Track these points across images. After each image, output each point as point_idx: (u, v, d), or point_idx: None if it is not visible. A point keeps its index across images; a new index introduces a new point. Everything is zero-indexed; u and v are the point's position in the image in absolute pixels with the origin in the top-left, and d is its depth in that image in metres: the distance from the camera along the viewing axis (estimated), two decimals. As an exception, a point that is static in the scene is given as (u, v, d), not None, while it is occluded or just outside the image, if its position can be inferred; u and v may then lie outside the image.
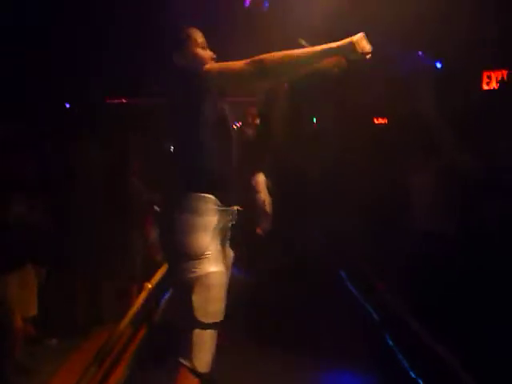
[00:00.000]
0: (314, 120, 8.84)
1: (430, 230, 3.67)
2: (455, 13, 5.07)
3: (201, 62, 2.04)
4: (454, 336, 2.94)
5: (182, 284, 1.91)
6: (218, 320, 1.91)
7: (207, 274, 1.87)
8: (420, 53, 6.91)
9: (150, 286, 3.92)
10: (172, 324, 3.86)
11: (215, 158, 1.97)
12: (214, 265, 1.91)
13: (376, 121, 8.43)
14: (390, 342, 3.44)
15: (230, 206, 2.03)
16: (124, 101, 7.98)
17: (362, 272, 4.90)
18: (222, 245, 2.05)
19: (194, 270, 1.87)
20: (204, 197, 1.93)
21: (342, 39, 1.91)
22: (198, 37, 2.14)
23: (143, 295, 3.84)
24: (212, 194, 1.95)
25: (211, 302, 1.88)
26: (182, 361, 1.87)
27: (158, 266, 4.61)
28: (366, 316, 4.03)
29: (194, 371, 1.87)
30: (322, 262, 5.56)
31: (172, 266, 2.00)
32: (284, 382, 2.95)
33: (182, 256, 1.89)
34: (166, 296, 4.55)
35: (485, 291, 3.03)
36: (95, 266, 4.16)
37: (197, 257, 1.88)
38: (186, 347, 1.87)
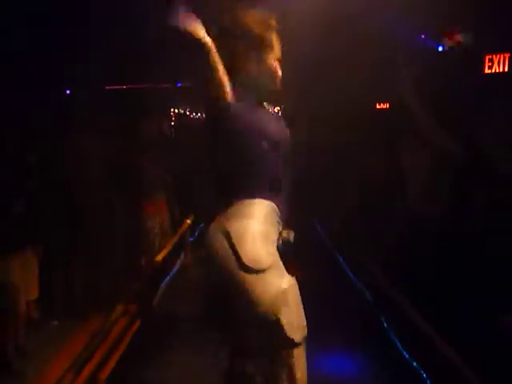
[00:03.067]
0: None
1: (421, 212, 3.70)
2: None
3: (274, 76, 1.82)
4: (445, 317, 2.98)
5: (258, 306, 1.67)
6: (305, 334, 1.75)
7: (285, 289, 1.68)
8: (423, 36, 6.84)
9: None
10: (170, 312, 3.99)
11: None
12: (285, 275, 1.73)
13: (378, 106, 8.39)
14: (385, 324, 3.48)
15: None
16: (125, 87, 7.96)
17: (355, 253, 4.93)
18: None
19: (269, 286, 1.67)
20: (268, 204, 1.75)
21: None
22: (278, 49, 1.85)
23: (142, 278, 3.90)
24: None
25: (295, 317, 1.71)
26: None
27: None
28: (360, 296, 4.08)
29: None
30: (317, 243, 5.61)
31: (242, 285, 1.69)
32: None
33: (252, 270, 1.67)
34: (166, 280, 4.62)
35: (475, 273, 3.05)
36: (96, 249, 4.22)
37: (266, 269, 1.68)
38: (283, 372, 1.71)
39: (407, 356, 3.06)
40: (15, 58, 5.06)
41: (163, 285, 4.54)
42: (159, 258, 4.24)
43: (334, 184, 6.61)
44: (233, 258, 1.68)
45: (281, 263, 1.75)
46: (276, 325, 1.67)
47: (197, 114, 10.24)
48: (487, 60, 5.79)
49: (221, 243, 1.72)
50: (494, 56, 5.71)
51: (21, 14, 4.92)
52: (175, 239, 5.00)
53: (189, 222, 5.44)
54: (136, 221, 4.80)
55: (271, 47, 1.81)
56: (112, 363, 3.03)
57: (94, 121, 4.69)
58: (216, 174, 1.86)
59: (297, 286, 1.76)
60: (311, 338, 1.78)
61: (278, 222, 1.79)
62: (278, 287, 1.68)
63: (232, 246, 1.69)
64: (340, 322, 3.45)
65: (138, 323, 3.68)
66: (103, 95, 7.09)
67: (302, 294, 1.77)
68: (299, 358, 1.73)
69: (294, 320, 1.70)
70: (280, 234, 1.82)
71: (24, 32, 5.14)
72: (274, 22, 1.80)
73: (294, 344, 1.70)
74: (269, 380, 1.77)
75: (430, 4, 5.31)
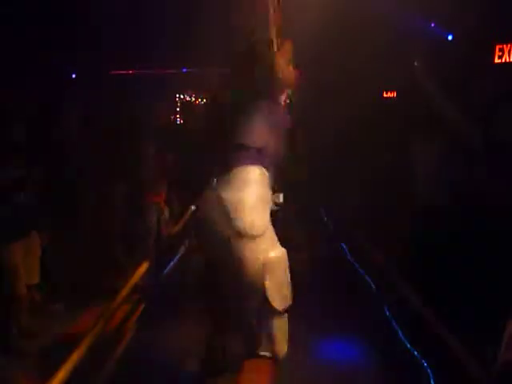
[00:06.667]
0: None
1: (431, 202, 3.67)
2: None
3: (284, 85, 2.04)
4: (450, 307, 2.97)
5: (247, 271, 1.79)
6: (289, 303, 1.86)
7: (274, 258, 1.80)
8: (433, 24, 6.76)
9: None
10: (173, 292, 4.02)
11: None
12: (276, 245, 1.85)
13: (385, 94, 8.33)
14: (387, 313, 3.48)
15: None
16: (131, 72, 7.94)
17: (362, 244, 4.93)
18: None
19: (259, 252, 1.78)
20: (260, 168, 1.92)
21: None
22: (288, 50, 2.05)
23: (145, 266, 3.92)
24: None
25: (283, 287, 1.82)
26: (263, 353, 1.83)
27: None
28: (365, 287, 4.08)
29: (275, 359, 1.83)
30: (324, 235, 5.61)
31: (232, 250, 1.81)
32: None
33: (245, 236, 1.79)
34: (167, 269, 4.64)
35: (484, 264, 3.02)
36: (101, 232, 4.24)
37: (259, 235, 1.79)
38: (264, 338, 1.81)
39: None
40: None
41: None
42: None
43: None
44: (225, 224, 1.80)
45: (273, 234, 1.86)
46: (260, 292, 1.77)
47: (202, 100, 10.19)
48: (497, 50, 5.73)
49: (214, 210, 1.84)
50: (505, 46, 5.64)
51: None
52: (177, 228, 5.03)
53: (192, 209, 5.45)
54: (137, 208, 4.81)
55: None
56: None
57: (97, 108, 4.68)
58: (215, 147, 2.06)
59: (286, 258, 1.85)
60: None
61: (269, 185, 1.93)
62: (266, 255, 1.78)
63: (226, 214, 1.80)
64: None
65: (142, 306, 3.71)
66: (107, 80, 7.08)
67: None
68: (281, 327, 1.82)
69: (278, 289, 1.79)
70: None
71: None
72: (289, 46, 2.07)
73: (275, 312, 1.79)
74: (248, 353, 1.85)
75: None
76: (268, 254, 1.77)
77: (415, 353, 2.96)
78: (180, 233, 5.16)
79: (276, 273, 1.78)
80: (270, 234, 1.84)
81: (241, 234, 1.78)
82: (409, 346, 3.06)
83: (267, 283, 1.76)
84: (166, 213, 5.06)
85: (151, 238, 4.87)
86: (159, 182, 4.94)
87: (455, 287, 3.12)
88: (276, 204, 2.02)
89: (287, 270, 1.85)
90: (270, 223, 1.87)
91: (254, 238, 1.78)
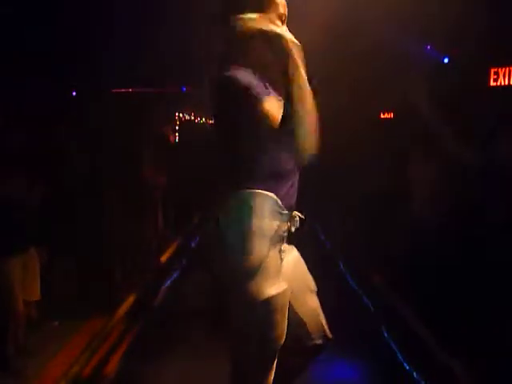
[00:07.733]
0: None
1: (428, 222, 3.70)
2: (464, 8, 5.05)
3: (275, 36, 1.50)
4: (450, 328, 2.98)
5: (236, 306, 1.57)
6: (279, 345, 1.57)
7: (268, 299, 1.51)
8: (428, 47, 6.88)
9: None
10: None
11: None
12: (274, 284, 1.53)
13: (382, 115, 8.44)
14: (386, 334, 3.48)
15: (290, 209, 1.64)
16: (130, 90, 8.02)
17: (359, 263, 4.93)
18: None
19: (250, 291, 1.50)
20: (264, 195, 1.54)
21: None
22: (281, 5, 1.58)
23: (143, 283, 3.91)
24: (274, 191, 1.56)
25: (273, 328, 1.54)
26: None
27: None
28: (363, 307, 4.07)
29: None
30: (320, 253, 5.62)
31: (223, 283, 1.60)
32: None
33: (234, 270, 1.54)
34: (166, 285, 4.64)
35: (483, 283, 3.03)
36: (97, 250, 4.24)
37: (252, 272, 1.50)
38: (242, 373, 1.59)
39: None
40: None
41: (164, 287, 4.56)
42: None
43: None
44: (224, 253, 1.56)
45: (277, 268, 1.57)
46: (243, 328, 1.56)
47: (201, 118, 10.29)
48: (492, 73, 5.84)
49: (215, 237, 1.61)
50: (500, 69, 5.75)
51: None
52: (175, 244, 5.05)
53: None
54: (132, 225, 4.83)
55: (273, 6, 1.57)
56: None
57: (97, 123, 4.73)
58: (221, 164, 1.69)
59: (287, 294, 1.58)
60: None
61: (280, 213, 1.57)
62: (263, 293, 1.51)
63: (224, 241, 1.56)
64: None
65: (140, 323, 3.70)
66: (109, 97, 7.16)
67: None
68: (262, 365, 1.59)
69: (265, 330, 1.54)
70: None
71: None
72: None
73: (255, 352, 1.56)
74: None
75: (436, 16, 5.37)
76: (263, 293, 1.51)
77: (414, 374, 2.96)
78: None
79: (265, 313, 1.51)
80: (270, 270, 1.54)
81: (228, 269, 1.56)
82: (408, 367, 3.05)
83: (252, 322, 1.53)
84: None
85: (155, 244, 4.90)
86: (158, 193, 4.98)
87: (455, 308, 3.13)
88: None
89: (283, 311, 1.55)
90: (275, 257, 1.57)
91: (242, 273, 1.52)
